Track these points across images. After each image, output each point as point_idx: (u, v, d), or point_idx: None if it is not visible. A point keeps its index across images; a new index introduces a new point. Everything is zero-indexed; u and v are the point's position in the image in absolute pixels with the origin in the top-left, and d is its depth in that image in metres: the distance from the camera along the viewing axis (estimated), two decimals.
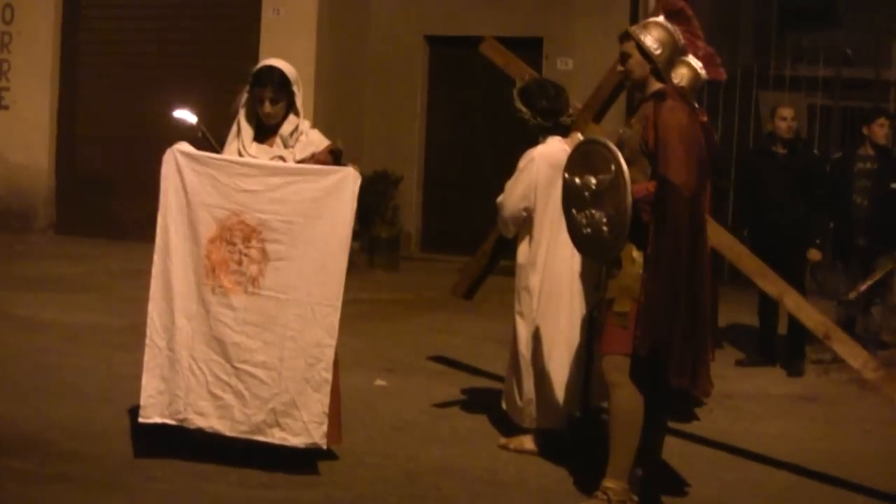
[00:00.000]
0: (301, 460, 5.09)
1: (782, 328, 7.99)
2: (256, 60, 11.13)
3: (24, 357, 7.13)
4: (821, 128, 12.48)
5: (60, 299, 9.36)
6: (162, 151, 5.13)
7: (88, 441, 5.42)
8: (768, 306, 7.93)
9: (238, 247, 5.01)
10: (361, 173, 5.09)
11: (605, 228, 4.54)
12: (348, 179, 4.99)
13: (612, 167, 4.46)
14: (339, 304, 5.00)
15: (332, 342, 5.01)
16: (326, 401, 5.00)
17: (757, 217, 7.94)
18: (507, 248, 6.16)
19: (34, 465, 5.03)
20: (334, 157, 5.31)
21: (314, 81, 12.07)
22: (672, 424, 5.28)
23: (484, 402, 6.43)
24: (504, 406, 5.86)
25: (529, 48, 10.80)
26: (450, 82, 13.44)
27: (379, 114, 13.49)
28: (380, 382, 6.96)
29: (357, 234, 10.75)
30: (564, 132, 5.66)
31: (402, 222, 12.97)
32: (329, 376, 5.01)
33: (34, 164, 14.06)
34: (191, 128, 5.89)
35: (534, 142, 5.69)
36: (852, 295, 8.13)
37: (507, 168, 5.79)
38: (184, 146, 5.08)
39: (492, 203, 5.79)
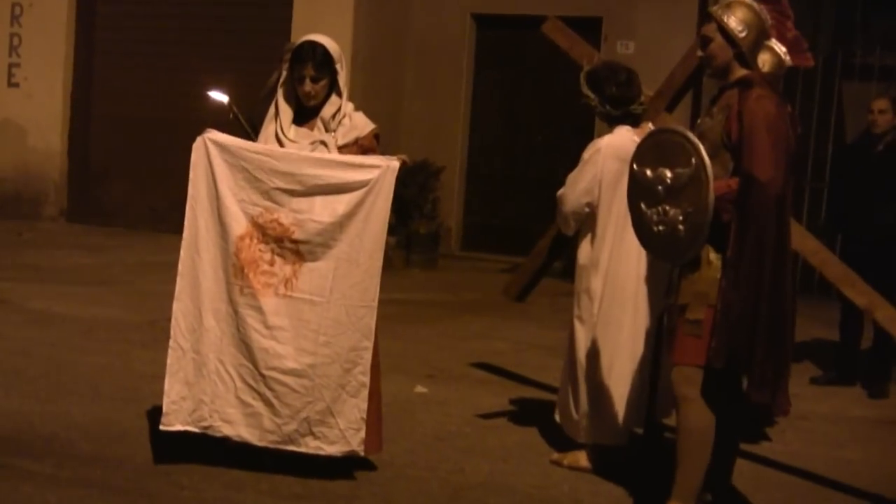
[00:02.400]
0: (338, 469, 5.12)
1: (865, 344, 7.94)
2: (288, 38, 11.29)
3: (39, 352, 7.22)
4: None
5: (75, 292, 9.47)
6: (184, 135, 5.13)
7: (109, 443, 5.48)
8: (851, 319, 7.85)
9: (271, 246, 5.02)
10: (403, 162, 5.09)
11: (681, 227, 4.52)
12: (387, 175, 5.00)
13: (693, 160, 4.44)
14: (375, 304, 5.03)
15: (369, 344, 5.04)
16: (364, 406, 5.03)
17: (849, 220, 7.87)
18: (565, 248, 6.17)
19: (52, 468, 5.09)
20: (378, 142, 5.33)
21: (350, 63, 12.09)
22: (741, 445, 5.25)
23: (534, 414, 6.44)
24: (557, 418, 5.86)
25: (587, 29, 10.78)
26: (498, 65, 13.44)
27: (420, 98, 13.52)
28: (420, 389, 6.99)
29: (393, 229, 10.66)
30: (635, 121, 5.65)
31: (442, 217, 13.01)
32: (367, 380, 5.04)
33: (46, 147, 14.20)
34: (222, 109, 5.91)
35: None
36: None
37: (559, 159, 5.81)
38: (215, 134, 5.07)
39: (541, 197, 5.81)
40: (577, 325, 5.67)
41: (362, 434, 5.03)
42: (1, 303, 8.76)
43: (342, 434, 5.02)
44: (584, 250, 5.67)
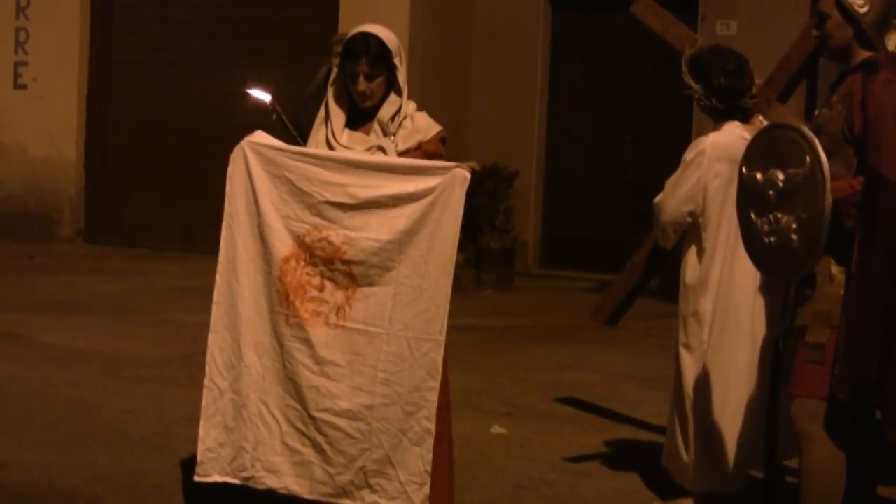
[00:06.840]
0: None
1: None
2: (335, 28, 11.40)
3: (56, 394, 7.35)
4: None
5: (96, 324, 9.63)
6: (219, 141, 5.15)
7: (140, 498, 5.58)
8: None
9: (320, 269, 5.04)
10: (473, 170, 5.06)
11: (794, 237, 4.51)
12: (456, 185, 4.98)
13: (807, 158, 4.43)
14: (443, 337, 5.00)
15: (436, 384, 5.01)
16: (429, 457, 5.00)
17: None
18: (663, 263, 6.18)
19: None
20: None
21: (407, 54, 12.14)
22: (879, 490, 5.22)
23: (631, 457, 6.47)
24: (664, 462, 5.87)
25: (681, 8, 10.80)
26: (578, 52, 13.48)
27: (489, 93, 13.58)
28: (497, 430, 7.03)
29: (460, 245, 10.64)
30: (745, 116, 5.63)
31: (516, 230, 13.02)
32: (432, 426, 5.02)
33: (59, 157, 14.36)
34: (264, 109, 5.98)
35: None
36: None
37: (652, 160, 5.80)
38: (259, 139, 5.12)
39: (632, 205, 5.82)
40: (684, 354, 5.68)
41: (426, 490, 5.00)
42: (12, 338, 8.94)
43: (403, 488, 5.01)
44: (691, 267, 5.68)
